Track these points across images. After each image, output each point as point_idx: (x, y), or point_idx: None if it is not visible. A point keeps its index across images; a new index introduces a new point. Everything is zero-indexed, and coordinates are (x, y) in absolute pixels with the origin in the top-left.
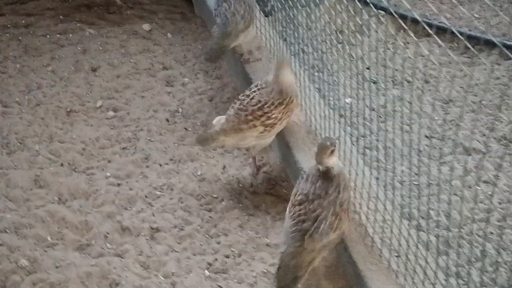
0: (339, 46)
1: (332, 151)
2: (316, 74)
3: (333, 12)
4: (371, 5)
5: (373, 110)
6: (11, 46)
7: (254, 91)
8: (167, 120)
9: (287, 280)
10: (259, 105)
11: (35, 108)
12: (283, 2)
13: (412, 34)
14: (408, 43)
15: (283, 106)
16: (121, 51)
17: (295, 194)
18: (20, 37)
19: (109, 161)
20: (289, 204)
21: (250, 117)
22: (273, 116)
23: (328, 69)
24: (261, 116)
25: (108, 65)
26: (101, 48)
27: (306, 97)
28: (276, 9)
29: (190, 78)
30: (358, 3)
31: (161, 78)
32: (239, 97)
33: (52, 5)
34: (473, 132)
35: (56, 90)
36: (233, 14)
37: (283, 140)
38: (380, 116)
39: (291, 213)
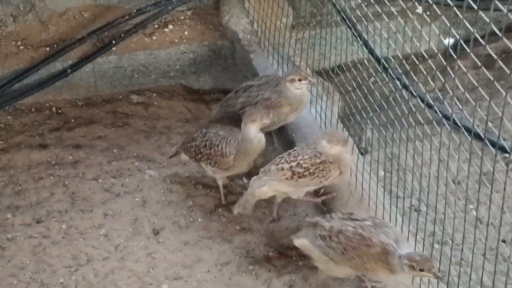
0: (460, 203)
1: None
2: (436, 246)
3: (445, 152)
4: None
5: None
6: (56, 195)
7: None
8: None
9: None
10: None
11: None
12: (381, 131)
13: None
14: None
15: None
16: (188, 204)
17: None
18: (66, 182)
19: None
20: None
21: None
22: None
23: (452, 240)
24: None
25: (173, 226)
26: (163, 198)
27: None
28: (372, 144)
29: (277, 248)
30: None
31: (239, 246)
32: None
33: (104, 132)
34: None
35: (110, 267)
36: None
37: None
38: None
39: None
